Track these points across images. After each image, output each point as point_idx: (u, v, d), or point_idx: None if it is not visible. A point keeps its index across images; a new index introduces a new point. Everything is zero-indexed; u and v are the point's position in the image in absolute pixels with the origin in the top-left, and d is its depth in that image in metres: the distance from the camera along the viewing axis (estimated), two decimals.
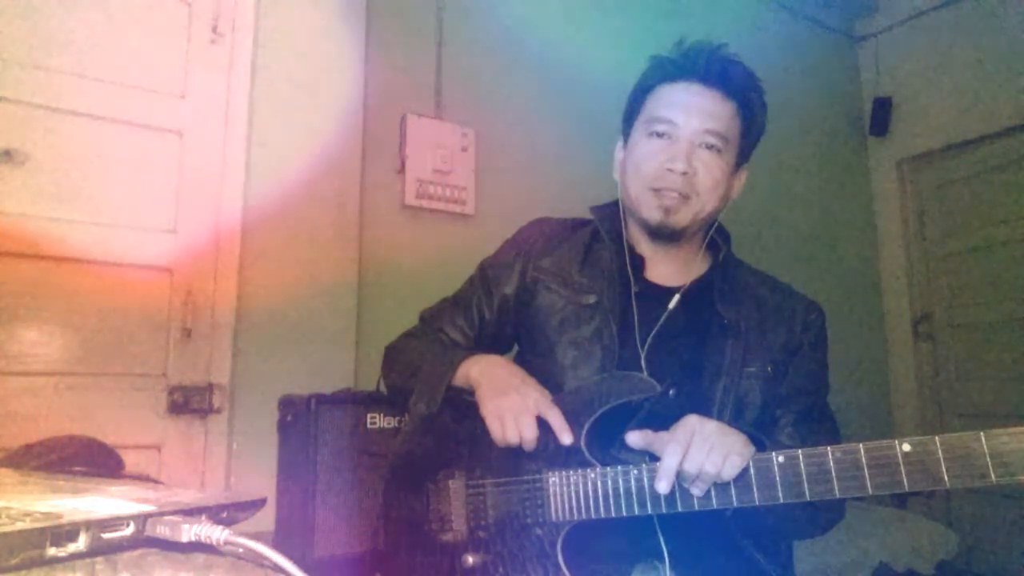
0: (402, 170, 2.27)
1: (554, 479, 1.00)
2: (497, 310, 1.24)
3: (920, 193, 3.61)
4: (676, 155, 1.10)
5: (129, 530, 0.50)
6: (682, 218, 1.12)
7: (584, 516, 0.98)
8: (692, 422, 0.94)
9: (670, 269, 1.19)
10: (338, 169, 2.10)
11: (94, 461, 1.12)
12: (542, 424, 1.00)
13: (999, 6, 3.25)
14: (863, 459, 0.85)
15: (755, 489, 0.90)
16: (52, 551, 0.46)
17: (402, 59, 2.33)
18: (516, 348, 1.28)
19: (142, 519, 0.51)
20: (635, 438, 0.98)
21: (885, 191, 3.69)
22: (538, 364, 1.15)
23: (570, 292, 1.17)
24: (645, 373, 1.05)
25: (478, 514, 1.05)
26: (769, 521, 1.03)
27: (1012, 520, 3.07)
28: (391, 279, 2.20)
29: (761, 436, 0.97)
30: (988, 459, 0.79)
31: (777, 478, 0.88)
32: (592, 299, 1.15)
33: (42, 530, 0.46)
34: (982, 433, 0.79)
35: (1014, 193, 3.22)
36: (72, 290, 1.72)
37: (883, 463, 0.84)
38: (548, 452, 1.01)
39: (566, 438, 0.99)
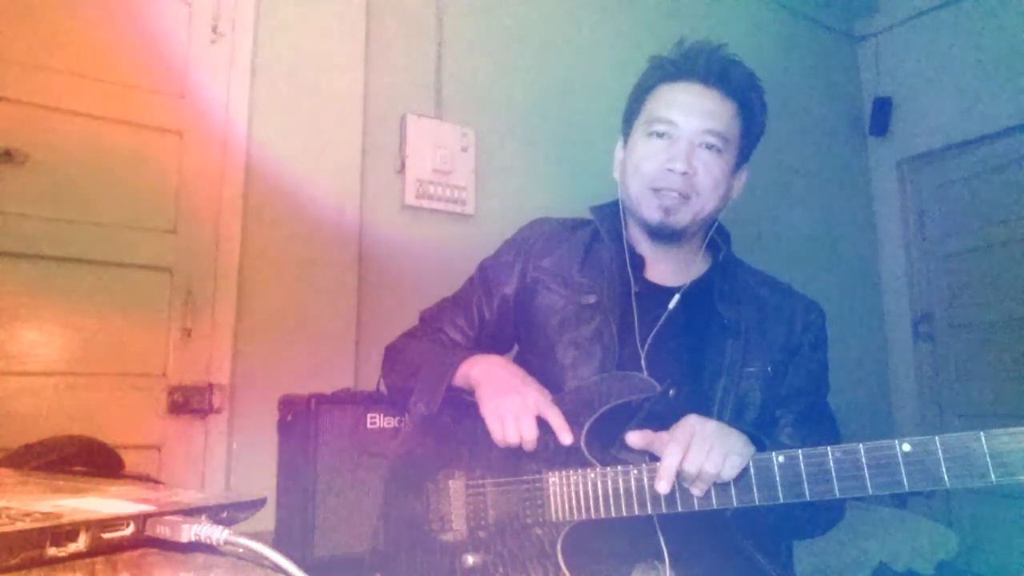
0: (402, 170, 2.26)
1: (554, 479, 1.00)
2: (497, 310, 1.24)
3: (920, 193, 3.61)
4: (676, 155, 1.10)
5: (129, 530, 0.50)
6: (682, 218, 1.12)
7: (584, 516, 0.98)
8: (692, 422, 0.94)
9: (670, 269, 1.19)
10: (338, 169, 2.10)
11: (94, 461, 1.12)
12: (542, 424, 1.00)
13: (999, 6, 3.25)
14: (863, 459, 0.85)
15: (755, 489, 0.89)
16: (52, 551, 0.46)
17: (402, 59, 2.33)
18: (516, 348, 1.27)
19: (142, 519, 0.51)
20: (635, 438, 0.98)
21: (885, 191, 3.68)
22: (538, 364, 1.15)
23: (570, 292, 1.17)
24: (645, 373, 1.05)
25: (478, 514, 1.05)
26: (769, 521, 1.02)
27: (1012, 520, 3.06)
28: (391, 279, 2.20)
29: (761, 436, 0.97)
30: (988, 459, 0.79)
31: (777, 478, 0.88)
32: (592, 299, 1.15)
33: (42, 530, 0.46)
34: (982, 433, 0.79)
35: (1014, 193, 3.21)
36: (72, 290, 1.72)
37: (883, 463, 0.84)
38: (548, 452, 1.01)
39: (566, 438, 0.99)
